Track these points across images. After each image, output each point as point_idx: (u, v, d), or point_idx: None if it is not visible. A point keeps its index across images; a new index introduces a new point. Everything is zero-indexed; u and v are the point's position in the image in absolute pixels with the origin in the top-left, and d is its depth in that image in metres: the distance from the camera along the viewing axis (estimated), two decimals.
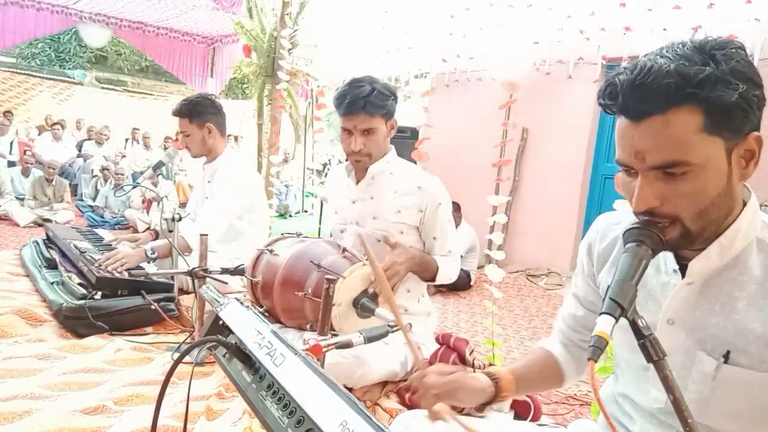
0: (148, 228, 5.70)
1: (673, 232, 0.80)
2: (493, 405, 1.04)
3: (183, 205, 6.71)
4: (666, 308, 0.90)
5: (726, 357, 0.83)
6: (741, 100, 0.74)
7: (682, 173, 0.77)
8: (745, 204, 0.84)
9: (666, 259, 0.91)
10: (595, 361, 0.68)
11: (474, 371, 1.81)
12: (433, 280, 1.94)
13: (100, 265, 2.39)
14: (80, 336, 2.21)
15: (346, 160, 2.03)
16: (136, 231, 5.71)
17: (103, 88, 14.57)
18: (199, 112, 2.75)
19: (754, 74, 0.76)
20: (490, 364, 2.21)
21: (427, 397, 0.95)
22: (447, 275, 1.94)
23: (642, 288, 0.84)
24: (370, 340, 1.24)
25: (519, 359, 1.18)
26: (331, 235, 2.14)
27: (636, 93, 0.76)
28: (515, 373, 1.05)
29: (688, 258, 0.86)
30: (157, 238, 3.03)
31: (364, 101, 1.81)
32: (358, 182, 2.00)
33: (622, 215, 1.03)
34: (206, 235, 2.04)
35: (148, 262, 2.52)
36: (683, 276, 0.87)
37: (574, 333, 1.14)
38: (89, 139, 9.43)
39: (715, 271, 0.85)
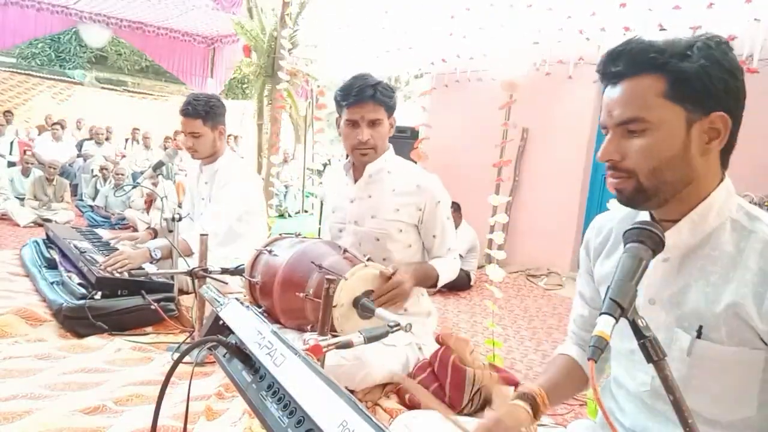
0: (148, 227, 5.70)
1: (629, 186, 0.89)
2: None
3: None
4: (647, 288, 0.93)
5: (699, 332, 0.87)
6: (703, 73, 0.82)
7: (641, 131, 0.86)
8: (718, 185, 0.90)
9: None
10: (595, 361, 0.69)
11: (474, 372, 1.82)
12: (435, 286, 1.94)
13: (105, 267, 2.38)
14: (80, 336, 2.21)
15: (347, 158, 2.02)
16: (135, 231, 5.71)
17: (103, 88, 14.55)
18: (214, 114, 2.70)
19: (727, 60, 0.84)
20: (491, 364, 2.21)
21: None
22: (447, 277, 1.95)
23: None
24: (370, 340, 1.24)
25: (543, 372, 1.18)
26: (329, 233, 2.14)
27: (614, 59, 0.88)
28: (545, 388, 1.04)
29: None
30: (155, 236, 3.02)
31: (373, 89, 1.81)
32: (356, 181, 2.00)
33: (616, 212, 1.09)
34: (206, 234, 2.04)
35: (152, 263, 2.52)
36: None
37: (585, 333, 1.16)
38: (89, 138, 9.43)
39: (690, 248, 0.90)
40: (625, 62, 0.86)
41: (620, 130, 0.88)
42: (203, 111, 2.66)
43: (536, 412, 1.00)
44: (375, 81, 1.84)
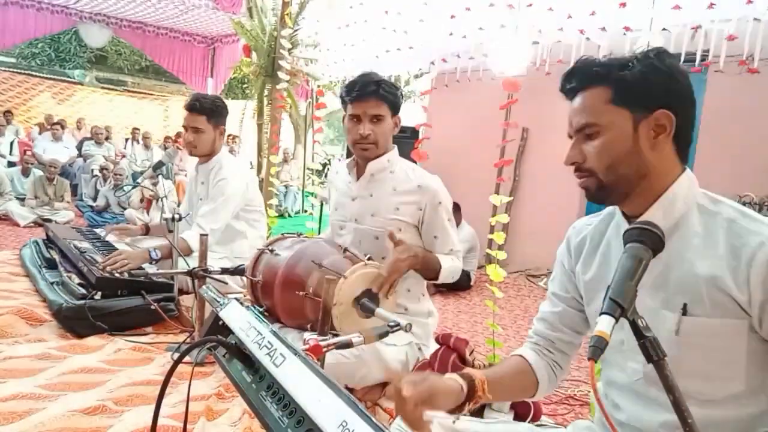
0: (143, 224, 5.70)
1: (592, 184, 1.00)
2: (467, 408, 1.04)
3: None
4: None
5: (684, 310, 0.92)
6: (641, 78, 0.94)
7: (595, 134, 0.98)
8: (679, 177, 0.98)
9: (620, 228, 1.03)
10: (595, 361, 0.69)
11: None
12: (436, 278, 1.92)
13: (103, 268, 2.38)
14: (80, 336, 2.21)
15: (348, 157, 2.03)
16: None
17: (103, 88, 14.53)
18: (219, 114, 2.79)
19: (665, 66, 0.95)
20: (491, 365, 2.21)
21: (405, 409, 0.92)
22: (450, 274, 1.92)
23: (606, 262, 1.05)
24: (370, 339, 1.24)
25: (495, 365, 1.21)
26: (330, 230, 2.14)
27: (568, 77, 1.04)
28: (488, 376, 1.07)
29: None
30: (147, 232, 3.02)
31: (376, 85, 1.86)
32: (358, 179, 2.00)
33: (593, 218, 1.15)
34: (206, 235, 2.04)
35: (151, 263, 2.52)
36: None
37: (553, 332, 1.17)
38: (90, 138, 9.43)
39: (665, 233, 0.93)
40: (577, 79, 1.01)
41: (580, 136, 1.01)
42: (209, 108, 2.75)
43: (471, 394, 1.02)
44: (378, 78, 1.89)
